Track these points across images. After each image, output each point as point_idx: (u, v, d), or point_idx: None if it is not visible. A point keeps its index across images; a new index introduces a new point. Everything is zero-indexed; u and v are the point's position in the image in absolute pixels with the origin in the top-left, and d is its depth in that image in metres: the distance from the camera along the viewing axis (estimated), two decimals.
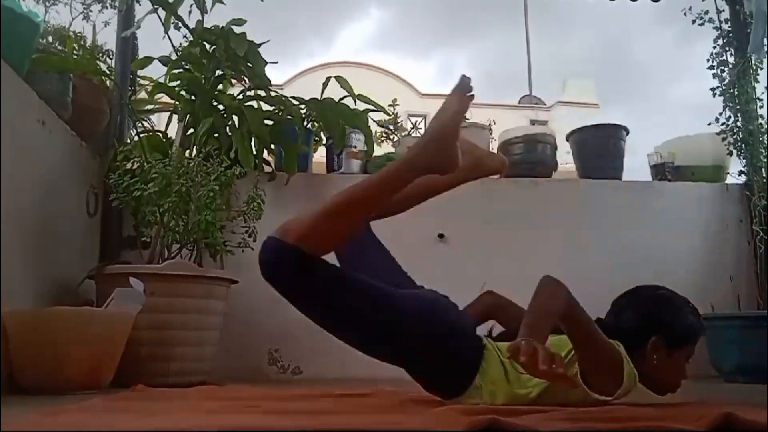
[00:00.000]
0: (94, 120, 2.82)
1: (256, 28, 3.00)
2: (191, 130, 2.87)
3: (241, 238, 2.66)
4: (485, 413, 1.06)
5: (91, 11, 3.09)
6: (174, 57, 2.95)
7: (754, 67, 3.44)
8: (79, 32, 2.98)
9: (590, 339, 1.43)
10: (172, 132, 3.07)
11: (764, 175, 3.32)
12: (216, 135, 2.88)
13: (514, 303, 1.78)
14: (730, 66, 3.50)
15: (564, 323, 1.40)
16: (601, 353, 1.44)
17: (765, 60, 3.37)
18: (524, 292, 1.39)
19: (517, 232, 3.24)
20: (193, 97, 2.89)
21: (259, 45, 2.92)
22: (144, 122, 3.19)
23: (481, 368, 1.49)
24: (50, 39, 2.83)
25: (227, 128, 2.92)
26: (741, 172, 3.44)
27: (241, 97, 3.05)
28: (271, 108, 3.10)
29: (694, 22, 3.58)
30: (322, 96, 3.07)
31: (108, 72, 3.00)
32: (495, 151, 3.63)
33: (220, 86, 3.03)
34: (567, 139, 3.67)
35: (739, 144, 3.38)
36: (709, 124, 3.48)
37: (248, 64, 2.92)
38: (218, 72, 2.93)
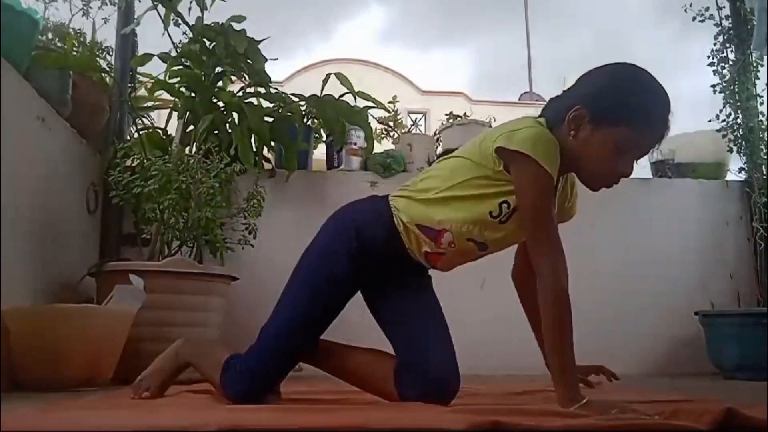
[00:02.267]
0: (94, 117, 2.81)
1: (255, 24, 2.99)
2: (191, 127, 2.87)
3: (241, 236, 2.66)
4: (488, 413, 1.06)
5: (90, 8, 3.08)
6: (174, 54, 2.95)
7: (755, 64, 3.44)
8: (79, 29, 2.97)
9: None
10: (172, 129, 3.07)
11: (764, 172, 3.31)
12: (216, 132, 2.88)
13: None
14: (731, 63, 3.49)
15: None
16: None
17: (765, 57, 3.37)
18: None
19: None
20: (192, 94, 2.88)
21: (259, 42, 2.92)
22: (144, 119, 3.19)
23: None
24: (50, 36, 2.83)
25: (227, 125, 2.91)
26: (741, 169, 3.44)
27: (241, 94, 3.05)
28: (271, 105, 3.10)
29: (694, 18, 3.57)
30: (322, 93, 3.07)
31: (108, 69, 3.00)
32: None
33: (220, 83, 3.03)
34: None
35: (740, 141, 3.38)
36: (710, 121, 3.48)
37: (248, 61, 2.92)
38: (218, 69, 2.93)
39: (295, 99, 3.08)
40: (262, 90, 3.07)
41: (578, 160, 1.35)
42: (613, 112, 1.31)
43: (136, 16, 3.05)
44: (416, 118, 13.69)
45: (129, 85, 3.19)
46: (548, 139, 1.30)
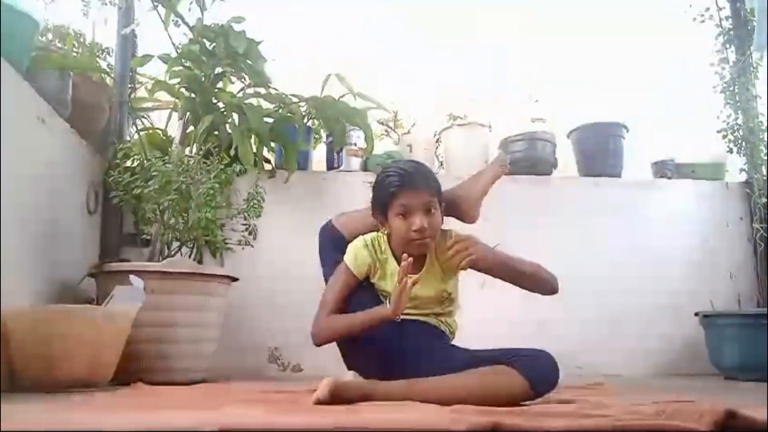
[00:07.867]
0: (94, 118, 2.81)
1: (255, 25, 2.98)
2: (191, 128, 2.87)
3: (241, 236, 2.66)
4: (487, 414, 1.06)
5: (90, 9, 3.08)
6: (174, 55, 2.95)
7: (755, 65, 3.44)
8: (79, 30, 2.97)
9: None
10: (172, 130, 3.07)
11: (764, 173, 3.31)
12: (216, 132, 2.88)
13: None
14: (731, 63, 3.49)
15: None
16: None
17: (765, 57, 3.37)
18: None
19: (517, 230, 3.23)
20: (192, 95, 2.88)
21: (259, 42, 2.92)
22: (144, 120, 3.18)
23: None
24: (50, 37, 2.82)
25: (227, 126, 2.91)
26: (741, 170, 3.44)
27: (240, 94, 3.04)
28: (271, 105, 3.10)
29: (695, 19, 3.57)
30: (322, 93, 3.07)
31: (108, 70, 3.00)
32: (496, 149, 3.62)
33: (220, 84, 3.03)
34: (567, 137, 3.67)
35: (740, 142, 3.38)
36: (710, 121, 3.48)
37: (248, 61, 2.91)
38: (218, 70, 2.92)
39: (295, 99, 3.08)
40: (262, 90, 3.07)
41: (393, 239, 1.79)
42: (374, 202, 1.80)
43: (136, 17, 3.05)
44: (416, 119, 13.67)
45: (129, 85, 3.18)
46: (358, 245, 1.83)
